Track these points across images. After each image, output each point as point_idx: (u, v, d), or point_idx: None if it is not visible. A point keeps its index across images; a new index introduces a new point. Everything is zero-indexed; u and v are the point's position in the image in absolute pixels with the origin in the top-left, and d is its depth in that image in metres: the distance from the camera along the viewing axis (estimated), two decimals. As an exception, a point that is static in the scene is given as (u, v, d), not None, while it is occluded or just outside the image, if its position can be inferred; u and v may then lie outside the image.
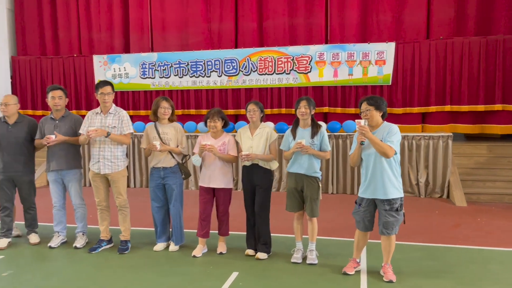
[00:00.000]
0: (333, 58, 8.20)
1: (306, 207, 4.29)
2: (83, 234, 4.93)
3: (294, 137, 4.26)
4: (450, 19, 7.92)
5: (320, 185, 4.31)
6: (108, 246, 4.82)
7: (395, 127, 3.75)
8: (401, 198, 3.80)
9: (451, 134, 7.43)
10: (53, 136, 4.54)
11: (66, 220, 5.03)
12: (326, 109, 8.37)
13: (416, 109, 8.02)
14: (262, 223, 4.45)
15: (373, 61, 8.05)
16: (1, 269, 4.22)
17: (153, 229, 4.86)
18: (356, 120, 3.71)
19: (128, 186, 8.54)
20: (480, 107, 7.72)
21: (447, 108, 7.87)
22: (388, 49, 7.95)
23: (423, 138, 7.43)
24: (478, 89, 7.72)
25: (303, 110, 4.22)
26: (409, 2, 8.04)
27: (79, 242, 4.85)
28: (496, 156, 7.55)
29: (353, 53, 8.11)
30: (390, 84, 8.04)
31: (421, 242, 4.95)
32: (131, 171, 8.61)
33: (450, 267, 4.16)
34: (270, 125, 7.94)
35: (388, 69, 8.01)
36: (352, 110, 8.22)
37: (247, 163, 4.43)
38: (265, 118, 8.10)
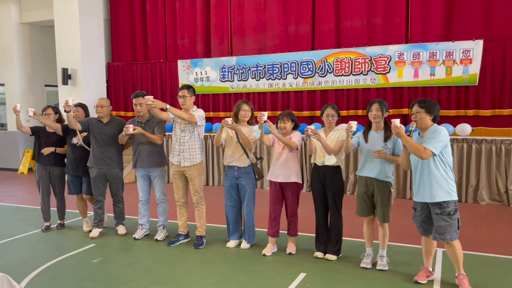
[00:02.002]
0: (414, 58, 7.87)
1: (377, 212, 4.22)
2: (163, 228, 5.31)
3: (366, 140, 4.21)
4: (549, 13, 7.22)
5: (392, 190, 4.21)
6: (185, 241, 5.14)
7: (440, 130, 3.63)
8: (455, 202, 3.64)
9: (547, 138, 6.77)
10: (131, 127, 4.91)
11: (150, 214, 5.45)
12: (405, 110, 8.06)
13: (506, 111, 7.41)
14: (334, 225, 4.47)
15: (458, 60, 7.58)
16: (92, 256, 4.71)
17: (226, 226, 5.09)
18: (391, 120, 3.70)
19: (207, 184, 8.98)
20: None
21: (544, 109, 7.18)
22: (476, 47, 7.44)
23: (514, 143, 6.86)
24: None
25: (375, 113, 4.16)
26: (500, -4, 7.47)
27: (160, 235, 5.23)
28: None
29: (436, 52, 7.71)
30: (477, 84, 7.52)
31: (507, 255, 4.60)
32: (210, 170, 9.02)
33: (537, 284, 3.84)
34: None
35: (474, 69, 7.49)
36: (434, 112, 7.81)
37: (319, 163, 4.45)
38: (342, 119, 8.05)
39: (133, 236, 5.30)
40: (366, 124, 4.35)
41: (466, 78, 7.57)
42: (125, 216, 5.68)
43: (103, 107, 5.34)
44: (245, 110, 4.80)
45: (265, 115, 4.38)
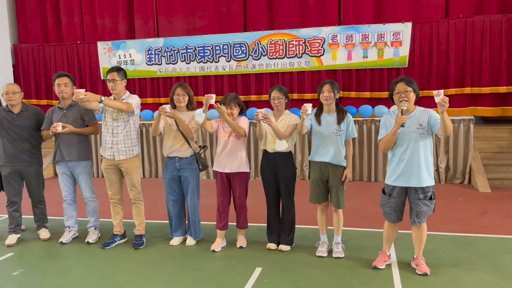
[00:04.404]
0: (347, 40, 7.87)
1: (331, 198, 4.05)
2: (95, 229, 4.72)
3: (319, 123, 3.99)
4: (470, -3, 7.58)
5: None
6: (122, 241, 4.61)
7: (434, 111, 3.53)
8: (433, 186, 3.59)
9: (473, 117, 7.14)
10: (60, 124, 4.29)
11: (77, 214, 4.82)
12: (340, 93, 8.04)
13: (434, 92, 7.69)
14: (287, 213, 4.23)
15: (389, 43, 7.71)
16: (11, 268, 4.01)
17: (167, 221, 4.64)
18: (437, 91, 3.23)
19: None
20: (502, 89, 7.39)
21: (467, 90, 7.56)
22: (405, 29, 7.61)
23: (443, 122, 7.14)
24: (499, 70, 7.38)
25: (327, 95, 3.97)
26: (426, -21, 7.68)
27: (92, 237, 4.64)
28: (519, 139, 7.27)
29: (368, 34, 7.78)
30: (406, 66, 7.72)
31: (449, 231, 4.72)
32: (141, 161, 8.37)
33: (485, 258, 3.92)
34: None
35: (404, 51, 7.68)
36: (367, 94, 7.93)
37: (269, 149, 4.17)
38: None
39: (60, 240, 4.64)
40: (317, 106, 4.13)
41: (397, 60, 7.73)
42: (48, 217, 4.97)
43: (16, 93, 4.58)
44: (179, 95, 4.34)
45: (212, 97, 3.98)
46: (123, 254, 4.30)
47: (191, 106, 4.48)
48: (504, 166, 6.96)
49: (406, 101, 3.45)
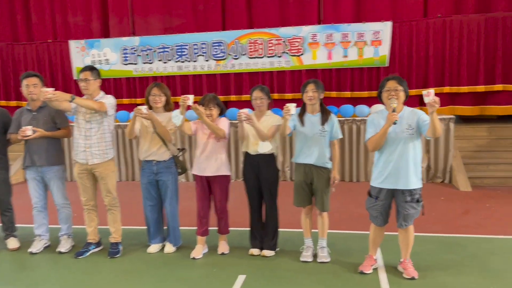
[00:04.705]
0: (327, 39, 7.79)
1: (316, 201, 3.92)
2: (68, 237, 4.47)
3: (303, 123, 3.86)
4: (448, -4, 7.61)
5: (331, 176, 3.93)
6: (96, 250, 4.37)
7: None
8: (421, 188, 3.48)
9: (453, 116, 7.17)
10: (29, 128, 4.02)
11: (49, 221, 4.55)
12: (324, 93, 7.96)
13: (413, 91, 7.62)
14: (270, 217, 4.09)
15: (369, 42, 7.67)
16: (-24, 282, 3.75)
17: (145, 228, 4.43)
18: (426, 91, 3.09)
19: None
20: (480, 88, 7.46)
21: (446, 89, 7.59)
22: (384, 28, 7.59)
23: (423, 121, 7.14)
24: (477, 69, 7.44)
25: (311, 95, 3.83)
26: (405, -21, 7.68)
27: (64, 246, 4.38)
28: (497, 138, 7.33)
29: (348, 33, 7.71)
30: (386, 65, 7.69)
31: (433, 232, 4.67)
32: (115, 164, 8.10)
33: (472, 260, 3.87)
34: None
35: (384, 50, 7.65)
36: (347, 94, 7.86)
37: (252, 151, 4.01)
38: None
39: (29, 250, 4.36)
40: (301, 106, 4.00)
41: (377, 59, 7.70)
42: (16, 225, 4.68)
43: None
44: (155, 95, 4.13)
45: (189, 98, 3.78)
46: (98, 264, 4.07)
47: (168, 107, 4.27)
48: (483, 164, 7.01)
49: (396, 98, 3.34)
